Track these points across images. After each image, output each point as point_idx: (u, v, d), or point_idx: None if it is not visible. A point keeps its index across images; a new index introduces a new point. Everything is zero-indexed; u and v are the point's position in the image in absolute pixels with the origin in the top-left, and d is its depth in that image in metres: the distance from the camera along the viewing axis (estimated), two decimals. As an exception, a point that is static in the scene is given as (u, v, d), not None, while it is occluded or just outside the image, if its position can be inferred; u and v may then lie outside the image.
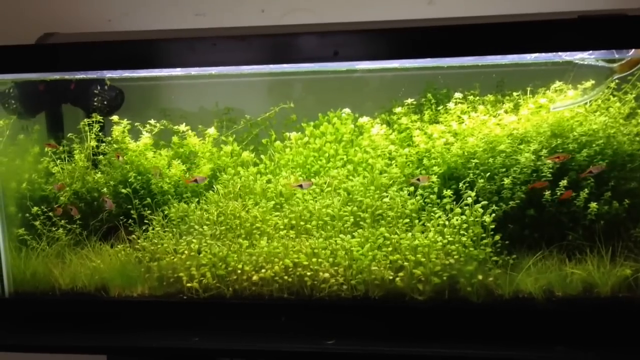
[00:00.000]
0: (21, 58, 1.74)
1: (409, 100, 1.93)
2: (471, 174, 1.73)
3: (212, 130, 2.03)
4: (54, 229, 1.91)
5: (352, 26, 2.21)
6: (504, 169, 1.71)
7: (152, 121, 2.04)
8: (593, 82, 1.62)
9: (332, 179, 1.88)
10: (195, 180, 1.85)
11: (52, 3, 2.34)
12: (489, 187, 1.70)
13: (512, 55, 1.58)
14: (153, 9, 2.32)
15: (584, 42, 1.50)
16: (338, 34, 1.61)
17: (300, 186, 1.83)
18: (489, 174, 1.72)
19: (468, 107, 1.85)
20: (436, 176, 1.77)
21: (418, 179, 1.76)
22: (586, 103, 1.70)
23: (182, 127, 2.04)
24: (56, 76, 1.86)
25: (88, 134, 2.04)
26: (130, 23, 2.33)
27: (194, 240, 1.81)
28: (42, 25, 2.26)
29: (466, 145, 1.77)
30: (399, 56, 1.61)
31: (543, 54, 1.57)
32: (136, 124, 2.04)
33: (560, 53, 1.55)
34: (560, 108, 1.67)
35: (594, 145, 1.68)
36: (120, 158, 1.96)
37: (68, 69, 1.76)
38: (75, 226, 1.92)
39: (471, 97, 1.87)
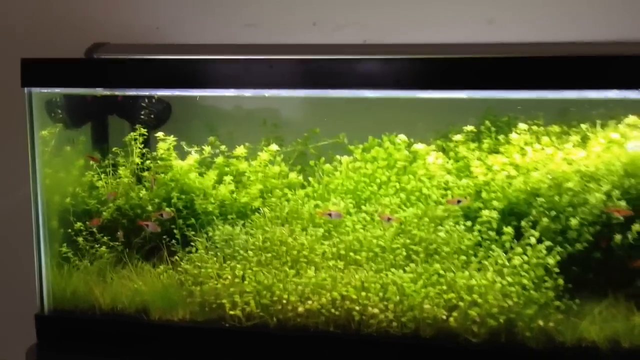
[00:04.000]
0: (68, 73, 1.71)
1: (468, 128, 1.83)
2: (534, 212, 1.62)
3: (272, 148, 1.95)
4: (96, 245, 1.87)
5: (407, 48, 2.13)
6: (570, 208, 1.61)
7: (206, 148, 1.98)
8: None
9: (383, 208, 1.79)
10: (330, 215, 1.76)
11: (100, 10, 2.30)
12: (553, 226, 1.60)
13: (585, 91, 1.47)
14: (202, 18, 2.26)
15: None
16: (400, 62, 1.53)
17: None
18: (553, 212, 1.61)
19: (531, 138, 1.75)
20: (496, 212, 1.67)
21: (459, 201, 1.67)
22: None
23: (238, 149, 1.97)
24: (105, 92, 1.82)
25: (133, 148, 1.99)
26: (178, 31, 2.28)
27: (238, 266, 1.75)
28: (90, 31, 2.22)
29: (530, 180, 1.66)
30: (463, 87, 1.52)
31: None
32: (182, 142, 1.98)
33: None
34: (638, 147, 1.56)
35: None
36: (155, 180, 1.89)
37: (116, 86, 1.71)
38: (117, 244, 1.87)
39: (535, 127, 1.77)
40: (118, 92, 1.83)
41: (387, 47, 2.18)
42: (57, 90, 1.80)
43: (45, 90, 1.76)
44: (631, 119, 1.65)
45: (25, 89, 1.75)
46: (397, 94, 1.63)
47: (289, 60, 1.62)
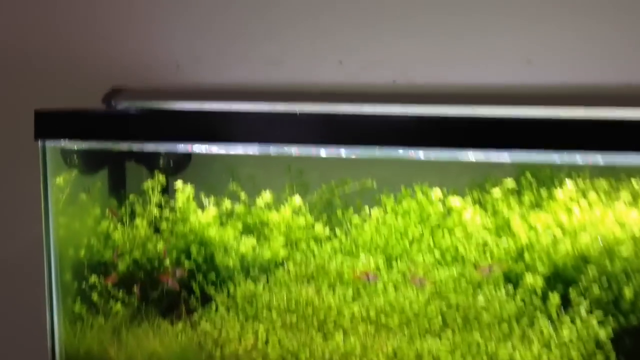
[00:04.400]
0: (84, 125, 1.62)
1: (508, 180, 1.71)
2: (584, 280, 1.50)
3: (297, 200, 1.84)
4: (111, 300, 1.77)
5: (439, 90, 2.02)
6: (624, 277, 1.48)
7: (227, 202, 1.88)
8: None
9: (415, 268, 1.67)
10: (367, 277, 1.65)
11: (119, 46, 2.22)
12: (604, 296, 1.47)
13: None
14: (224, 55, 2.17)
15: None
16: (439, 122, 1.43)
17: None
18: (605, 280, 1.48)
19: (577, 195, 1.63)
20: (540, 277, 1.54)
21: (489, 269, 1.55)
22: None
23: (263, 196, 1.87)
24: (123, 146, 1.72)
25: (151, 196, 1.89)
26: (199, 69, 2.19)
27: (260, 328, 1.63)
28: (108, 67, 2.14)
29: (577, 243, 1.54)
30: (505, 148, 1.41)
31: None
32: (201, 193, 1.88)
33: None
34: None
35: None
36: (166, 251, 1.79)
37: (136, 139, 1.62)
38: (133, 299, 1.77)
39: (580, 183, 1.65)
40: (136, 147, 1.73)
41: (418, 89, 2.07)
42: (73, 143, 1.70)
43: (60, 143, 1.67)
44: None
45: (39, 141, 1.66)
46: (429, 154, 1.52)
47: (316, 116, 1.52)
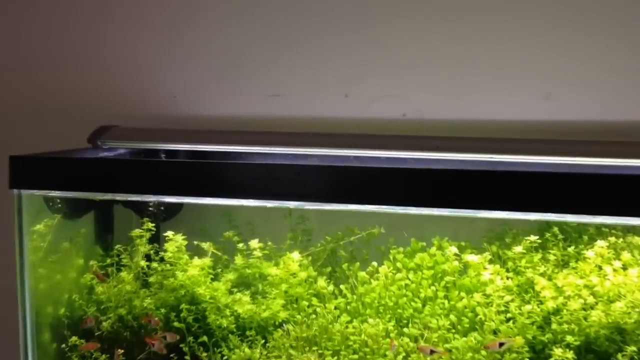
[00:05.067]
0: (64, 174, 1.47)
1: (532, 238, 1.54)
2: (620, 355, 1.32)
3: (295, 256, 1.68)
4: (93, 364, 1.61)
5: (451, 126, 1.86)
6: (666, 354, 1.31)
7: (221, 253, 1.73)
8: None
9: (429, 333, 1.51)
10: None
11: (116, 75, 2.06)
12: (645, 375, 1.30)
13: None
14: (223, 85, 2.01)
15: None
16: (454, 177, 1.27)
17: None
18: (644, 356, 1.31)
19: (609, 253, 1.46)
20: (570, 349, 1.37)
21: (501, 343, 1.38)
22: None
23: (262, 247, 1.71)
24: (105, 197, 1.57)
25: (139, 248, 1.73)
26: (198, 100, 2.03)
27: (257, 402, 1.47)
28: (104, 97, 2.00)
29: (611, 311, 1.37)
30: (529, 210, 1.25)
31: None
32: (195, 242, 1.72)
33: None
34: None
35: None
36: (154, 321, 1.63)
37: (119, 191, 1.46)
38: (118, 362, 1.61)
39: (612, 239, 1.48)
40: (120, 198, 1.58)
41: (426, 124, 1.91)
42: (51, 194, 1.55)
43: (37, 192, 1.51)
44: None
45: (15, 190, 1.51)
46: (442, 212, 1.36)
47: (318, 168, 1.36)
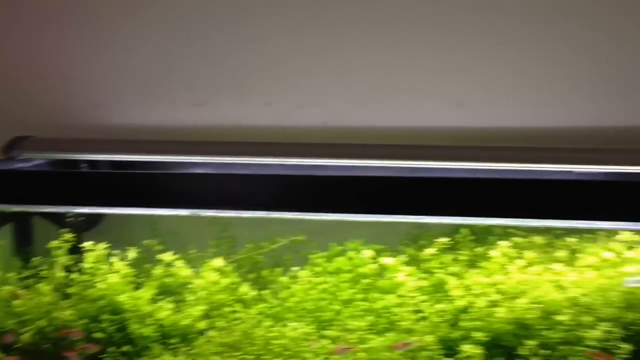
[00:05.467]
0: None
1: (443, 240, 1.62)
2: (524, 349, 1.41)
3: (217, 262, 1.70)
4: (9, 381, 1.58)
5: (370, 133, 1.92)
6: (565, 346, 1.40)
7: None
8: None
9: (348, 334, 1.56)
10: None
11: (34, 84, 2.02)
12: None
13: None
14: (146, 94, 2.01)
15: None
16: (372, 183, 1.33)
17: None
18: (546, 351, 1.40)
19: (514, 252, 1.55)
20: (479, 345, 1.45)
21: (405, 344, 1.45)
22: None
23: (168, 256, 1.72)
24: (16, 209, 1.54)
25: (57, 259, 1.71)
26: (120, 109, 2.02)
27: (179, 409, 1.48)
28: (24, 105, 1.96)
29: (515, 307, 1.45)
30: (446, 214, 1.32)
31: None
32: (115, 251, 1.71)
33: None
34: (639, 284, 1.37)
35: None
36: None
37: (32, 202, 1.45)
38: (36, 377, 1.59)
39: (516, 239, 1.57)
40: (33, 209, 1.56)
41: (348, 131, 1.96)
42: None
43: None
44: (625, 235, 1.46)
45: None
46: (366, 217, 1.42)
47: (236, 177, 1.39)
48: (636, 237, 1.45)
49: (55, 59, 1.99)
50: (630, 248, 1.45)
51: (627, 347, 1.35)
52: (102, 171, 1.52)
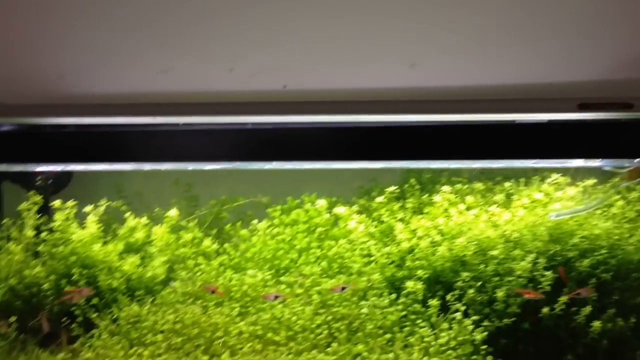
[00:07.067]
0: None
1: (391, 189, 1.73)
2: (460, 283, 1.53)
3: (172, 213, 1.80)
4: (-16, 333, 1.67)
5: (327, 96, 2.02)
6: (497, 278, 1.52)
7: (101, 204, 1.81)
8: (598, 186, 1.45)
9: (304, 279, 1.67)
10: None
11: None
12: (479, 298, 1.51)
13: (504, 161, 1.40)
14: (111, 63, 2.07)
15: (588, 151, 1.32)
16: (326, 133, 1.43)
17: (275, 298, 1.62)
18: (479, 282, 1.52)
19: (456, 198, 1.66)
20: (421, 282, 1.57)
21: (343, 287, 1.57)
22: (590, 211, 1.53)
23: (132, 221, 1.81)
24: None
25: (26, 220, 1.79)
26: (85, 79, 2.07)
27: (145, 353, 1.58)
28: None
29: (454, 246, 1.57)
30: (386, 158, 1.43)
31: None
32: (84, 209, 1.80)
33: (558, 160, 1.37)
34: (562, 216, 1.49)
35: (595, 253, 1.50)
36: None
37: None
38: (10, 330, 1.67)
39: (458, 186, 1.69)
40: (4, 169, 1.63)
41: (306, 94, 2.05)
42: None
43: None
44: (555, 177, 1.59)
45: None
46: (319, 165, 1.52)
47: (198, 131, 1.48)
48: (563, 179, 1.57)
49: (18, 31, 2.05)
50: (558, 189, 1.57)
51: (549, 275, 1.48)
52: (68, 131, 1.59)
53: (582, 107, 1.46)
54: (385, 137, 1.49)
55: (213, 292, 1.62)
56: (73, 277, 1.73)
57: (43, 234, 1.79)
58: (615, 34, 1.80)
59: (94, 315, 1.68)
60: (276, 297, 1.60)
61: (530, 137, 1.41)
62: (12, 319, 1.68)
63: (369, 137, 1.49)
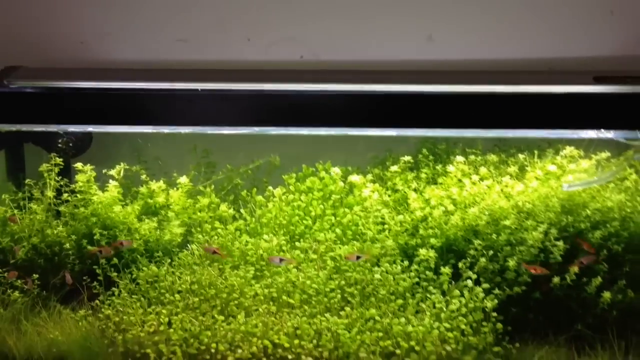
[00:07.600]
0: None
1: (405, 158, 1.75)
2: (472, 251, 1.56)
3: (184, 179, 1.84)
4: (9, 290, 1.72)
5: (343, 67, 2.03)
6: (508, 247, 1.55)
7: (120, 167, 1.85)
8: (611, 159, 1.46)
9: (318, 245, 1.70)
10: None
11: (21, 21, 2.10)
12: (491, 267, 1.54)
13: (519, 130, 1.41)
14: (131, 31, 2.10)
15: (603, 123, 1.33)
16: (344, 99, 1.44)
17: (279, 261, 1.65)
18: (491, 252, 1.55)
19: (469, 169, 1.68)
20: (433, 250, 1.60)
21: (358, 257, 1.60)
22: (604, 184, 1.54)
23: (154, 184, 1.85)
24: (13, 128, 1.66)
25: (48, 181, 1.84)
26: (105, 46, 2.11)
27: (163, 311, 1.63)
28: (7, 44, 2.04)
29: (467, 216, 1.60)
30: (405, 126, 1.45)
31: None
32: (104, 170, 1.84)
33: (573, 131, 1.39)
34: (575, 187, 1.51)
35: (607, 225, 1.52)
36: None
37: (29, 121, 1.56)
38: (34, 287, 1.73)
39: (472, 157, 1.70)
40: (27, 128, 1.67)
41: (323, 65, 2.07)
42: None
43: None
44: (569, 150, 1.60)
45: None
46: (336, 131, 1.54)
47: (216, 96, 1.51)
48: (577, 152, 1.59)
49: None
50: (571, 161, 1.58)
51: (561, 245, 1.50)
52: (88, 92, 1.62)
53: (598, 80, 1.47)
54: (402, 104, 1.50)
55: (214, 252, 1.66)
56: (95, 237, 1.77)
57: (65, 195, 1.83)
58: (630, 9, 1.81)
59: (114, 274, 1.73)
60: (281, 260, 1.63)
61: (546, 108, 1.42)
62: (35, 276, 1.74)
63: (385, 105, 1.50)
